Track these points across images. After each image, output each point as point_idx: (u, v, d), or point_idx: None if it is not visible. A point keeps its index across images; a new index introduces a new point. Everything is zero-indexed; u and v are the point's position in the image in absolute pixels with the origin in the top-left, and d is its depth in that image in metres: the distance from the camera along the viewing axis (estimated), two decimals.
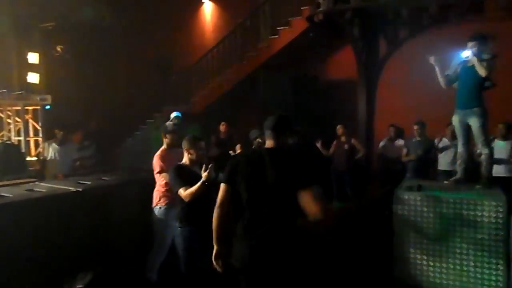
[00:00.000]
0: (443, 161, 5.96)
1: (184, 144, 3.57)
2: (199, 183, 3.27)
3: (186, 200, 3.33)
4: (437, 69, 4.25)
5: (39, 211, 3.48)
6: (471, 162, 4.40)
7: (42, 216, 3.47)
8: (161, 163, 4.00)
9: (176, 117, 6.69)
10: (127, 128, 9.34)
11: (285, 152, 2.54)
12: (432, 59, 4.24)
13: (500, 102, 4.14)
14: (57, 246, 3.51)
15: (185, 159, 3.59)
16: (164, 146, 4.27)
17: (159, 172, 4.00)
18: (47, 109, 6.74)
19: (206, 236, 3.35)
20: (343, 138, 6.92)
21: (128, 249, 4.07)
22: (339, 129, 7.00)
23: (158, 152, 4.17)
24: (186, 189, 3.32)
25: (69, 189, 3.86)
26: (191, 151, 3.53)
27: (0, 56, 7.46)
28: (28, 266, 3.34)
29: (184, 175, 3.42)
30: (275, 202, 2.42)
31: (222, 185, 2.54)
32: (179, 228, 3.46)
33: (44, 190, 3.85)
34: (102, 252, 3.91)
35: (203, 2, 10.22)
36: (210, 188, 3.49)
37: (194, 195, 3.29)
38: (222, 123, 7.17)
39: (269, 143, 2.55)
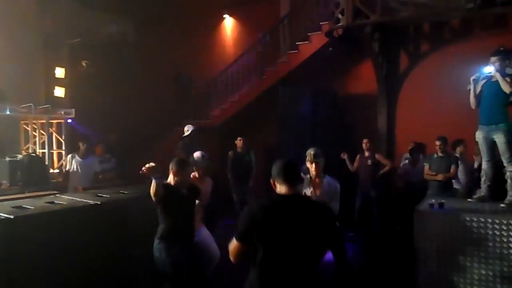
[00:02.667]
0: None
1: (172, 166, 3.51)
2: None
3: (154, 199, 3.26)
4: (472, 88, 4.10)
5: (58, 223, 3.54)
6: (496, 179, 4.25)
7: (61, 229, 3.53)
8: None
9: (194, 130, 6.69)
10: (147, 141, 9.47)
11: (308, 201, 2.36)
12: (472, 78, 4.09)
13: None
14: (75, 258, 3.55)
15: (170, 180, 3.51)
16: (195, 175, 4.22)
17: None
18: (69, 122, 6.92)
19: (194, 255, 3.36)
20: (367, 153, 6.80)
21: (146, 262, 4.08)
22: (366, 143, 6.80)
23: None
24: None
25: (88, 202, 3.92)
26: (178, 175, 3.47)
27: (29, 70, 7.73)
28: (46, 278, 3.39)
29: (169, 193, 3.37)
30: (298, 258, 2.20)
31: (236, 242, 2.25)
32: (164, 251, 3.39)
33: (64, 203, 3.92)
34: (120, 265, 3.95)
35: (224, 18, 10.38)
36: (189, 204, 3.50)
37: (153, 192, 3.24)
38: (239, 138, 7.19)
39: (283, 190, 2.31)
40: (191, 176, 4.23)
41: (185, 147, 6.41)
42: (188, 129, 6.64)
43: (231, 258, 2.30)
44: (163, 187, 3.39)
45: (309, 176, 3.90)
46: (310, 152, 3.87)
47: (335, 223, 2.36)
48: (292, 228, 2.19)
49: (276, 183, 2.35)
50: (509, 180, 3.95)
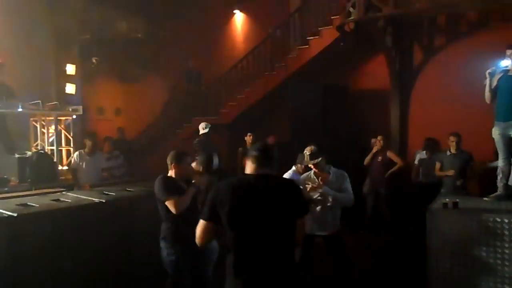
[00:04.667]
0: None
1: (170, 160, 3.43)
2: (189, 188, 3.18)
3: (175, 211, 3.17)
4: (488, 82, 3.93)
5: (62, 221, 3.51)
6: None
7: (66, 227, 3.50)
8: None
9: (208, 126, 6.60)
10: (156, 138, 9.47)
11: (274, 179, 2.34)
12: (488, 71, 3.91)
13: None
14: (80, 257, 3.52)
15: (171, 173, 3.44)
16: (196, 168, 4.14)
17: None
18: (76, 119, 6.92)
19: (196, 255, 3.29)
20: (374, 150, 6.65)
21: (151, 260, 4.03)
22: (379, 140, 6.64)
23: None
24: (174, 201, 3.17)
25: (93, 200, 3.88)
26: (177, 168, 3.39)
27: (40, 67, 7.76)
28: (50, 276, 3.37)
29: (172, 186, 3.29)
30: (270, 235, 2.20)
31: (202, 222, 2.24)
32: (166, 250, 3.32)
33: (69, 201, 3.89)
34: (124, 263, 3.91)
35: (234, 13, 10.29)
36: (195, 201, 3.43)
37: (184, 204, 3.16)
38: (249, 134, 7.10)
39: (252, 169, 2.31)
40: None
41: (202, 145, 6.34)
42: (205, 127, 6.54)
43: (197, 240, 2.27)
44: (164, 178, 3.33)
45: (313, 174, 3.90)
46: (307, 153, 3.81)
47: (300, 196, 2.37)
48: (258, 204, 2.18)
49: (246, 162, 2.37)
50: None
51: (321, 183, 3.80)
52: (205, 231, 2.25)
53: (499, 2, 6.12)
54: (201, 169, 4.08)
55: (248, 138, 7.09)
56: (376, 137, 6.73)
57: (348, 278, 4.00)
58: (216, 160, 4.23)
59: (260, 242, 2.18)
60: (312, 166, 3.85)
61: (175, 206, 3.18)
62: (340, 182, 3.86)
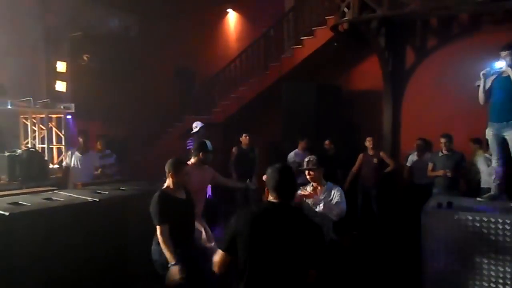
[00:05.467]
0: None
1: (168, 168, 3.40)
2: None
3: (160, 238, 3.16)
4: (482, 83, 3.95)
5: (55, 220, 3.45)
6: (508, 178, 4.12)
7: (58, 226, 3.44)
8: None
9: (202, 127, 6.60)
10: (148, 137, 9.39)
11: (294, 212, 2.24)
12: (482, 72, 3.94)
13: None
14: (72, 256, 3.46)
15: (169, 183, 3.42)
16: (192, 161, 4.14)
17: None
18: (68, 118, 6.84)
19: (189, 259, 3.26)
20: (371, 151, 6.67)
21: (145, 260, 3.99)
22: (369, 141, 6.68)
23: None
24: (163, 228, 3.17)
25: (86, 199, 3.83)
26: (176, 176, 3.36)
27: (30, 64, 7.64)
28: (43, 276, 3.31)
29: (168, 205, 3.25)
30: (283, 270, 2.13)
31: (221, 252, 2.21)
32: (160, 253, 3.27)
33: (62, 199, 3.83)
34: (118, 262, 3.86)
35: (227, 12, 10.25)
36: (189, 207, 3.42)
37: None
38: (245, 134, 7.05)
39: (274, 198, 2.22)
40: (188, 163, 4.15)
41: (194, 144, 6.32)
42: (196, 126, 6.53)
43: (215, 268, 2.23)
44: (161, 197, 3.29)
45: (311, 186, 3.85)
46: (310, 159, 3.82)
47: (322, 241, 2.26)
48: (277, 238, 2.09)
49: (268, 193, 2.24)
50: None
51: (312, 193, 3.76)
52: (221, 262, 2.21)
53: (491, 5, 6.18)
54: (200, 155, 4.09)
55: (244, 139, 7.03)
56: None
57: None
58: (209, 144, 4.28)
59: (271, 276, 2.11)
60: (307, 174, 3.82)
61: (162, 235, 3.17)
62: (332, 197, 3.76)
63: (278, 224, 2.13)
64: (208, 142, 4.31)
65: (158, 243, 3.27)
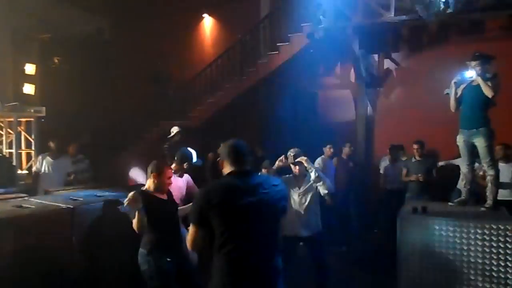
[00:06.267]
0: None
1: (151, 169, 3.37)
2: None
3: (136, 230, 3.14)
4: (453, 91, 4.11)
5: (26, 229, 3.30)
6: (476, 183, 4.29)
7: (30, 235, 3.29)
8: None
9: (179, 132, 6.56)
10: (123, 141, 9.18)
11: (256, 176, 2.36)
12: (453, 81, 4.09)
13: (498, 124, 4.05)
14: (45, 267, 3.32)
15: (149, 184, 3.38)
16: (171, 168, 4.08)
17: None
18: (41, 121, 6.60)
19: (180, 264, 3.22)
20: (345, 155, 6.80)
21: (121, 269, 3.89)
22: (347, 147, 6.84)
23: None
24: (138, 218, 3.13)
25: (60, 206, 3.69)
26: (158, 178, 3.33)
27: None
28: (15, 286, 3.16)
29: (151, 205, 3.22)
30: (261, 235, 2.22)
31: (193, 227, 2.20)
32: (149, 262, 3.24)
33: (33, 207, 3.67)
34: (93, 272, 3.74)
35: (203, 17, 10.21)
36: (172, 208, 3.40)
37: (138, 225, 3.12)
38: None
39: (233, 168, 2.30)
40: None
41: (171, 149, 6.28)
42: (173, 131, 6.49)
43: (188, 246, 2.23)
44: (143, 198, 3.22)
45: (293, 176, 4.00)
46: (291, 154, 3.90)
47: (286, 195, 2.48)
48: (248, 203, 2.16)
49: (224, 164, 2.33)
50: (489, 184, 3.98)
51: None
52: (195, 237, 2.20)
53: (457, 17, 6.45)
54: (184, 165, 4.03)
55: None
56: (344, 144, 6.88)
57: (324, 283, 4.04)
58: (194, 153, 4.22)
59: (251, 242, 2.18)
60: (295, 168, 3.95)
61: (137, 226, 3.13)
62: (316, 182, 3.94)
63: (245, 189, 2.20)
64: (194, 153, 4.23)
65: (147, 253, 3.20)
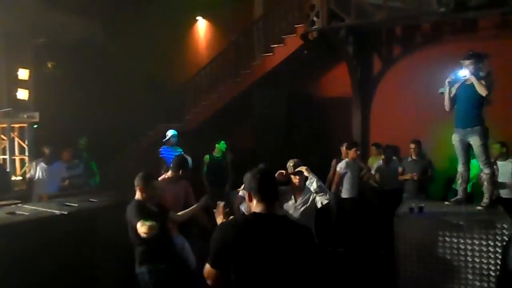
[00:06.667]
0: None
1: (137, 182, 3.36)
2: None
3: (145, 235, 3.07)
4: (447, 90, 4.11)
5: (20, 236, 3.27)
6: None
7: (23, 242, 3.26)
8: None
9: (173, 135, 6.56)
10: (118, 146, 9.14)
11: (283, 223, 2.09)
12: (447, 80, 4.09)
13: (493, 121, 4.06)
14: (39, 274, 3.29)
15: (138, 196, 3.37)
16: (167, 176, 4.05)
17: None
18: (34, 127, 6.54)
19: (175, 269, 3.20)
20: (344, 157, 6.76)
21: (115, 275, 3.85)
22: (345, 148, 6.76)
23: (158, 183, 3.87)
24: (144, 223, 3.07)
25: (54, 212, 3.66)
26: (145, 191, 3.33)
27: None
28: None
29: (143, 210, 3.22)
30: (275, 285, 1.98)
31: (209, 268, 2.03)
32: (145, 271, 3.21)
33: (26, 213, 3.64)
34: (89, 280, 3.70)
35: (197, 20, 10.19)
36: (164, 218, 3.38)
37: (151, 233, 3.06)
38: (223, 142, 7.03)
39: (259, 208, 2.07)
40: (162, 177, 4.07)
41: (166, 152, 6.29)
42: (168, 134, 6.50)
43: (208, 283, 2.07)
44: (137, 202, 3.23)
45: (290, 187, 3.83)
46: (290, 164, 3.79)
47: (315, 247, 2.16)
48: (268, 252, 1.96)
49: (252, 197, 2.09)
50: (485, 183, 3.99)
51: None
52: (213, 278, 2.03)
53: (451, 16, 6.47)
54: (180, 172, 4.00)
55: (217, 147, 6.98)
56: (341, 144, 6.85)
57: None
58: (189, 160, 4.19)
59: None
60: (295, 178, 3.78)
61: (145, 230, 3.05)
62: (309, 197, 3.80)
63: (266, 235, 1.99)
64: (189, 159, 4.21)
65: (141, 265, 3.19)
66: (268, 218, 2.05)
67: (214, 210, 2.47)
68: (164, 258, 3.22)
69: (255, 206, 2.08)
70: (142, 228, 3.06)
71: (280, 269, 1.97)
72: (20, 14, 7.84)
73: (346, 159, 6.05)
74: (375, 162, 6.71)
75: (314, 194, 3.76)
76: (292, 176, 3.78)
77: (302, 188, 3.81)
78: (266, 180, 2.11)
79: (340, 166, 5.92)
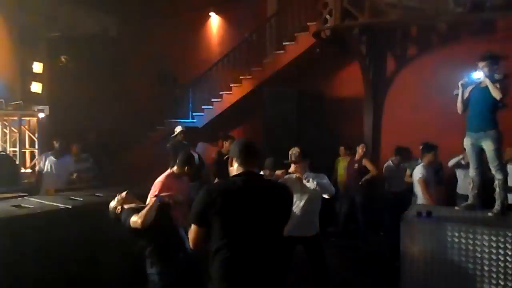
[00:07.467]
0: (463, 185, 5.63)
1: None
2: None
3: (140, 225, 2.97)
4: (460, 93, 3.98)
5: (24, 229, 3.29)
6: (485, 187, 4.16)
7: (27, 235, 3.28)
8: (163, 191, 3.59)
9: (181, 131, 6.54)
10: (128, 141, 9.19)
11: (267, 182, 2.31)
12: (460, 82, 3.97)
13: (507, 126, 3.92)
14: (43, 268, 3.30)
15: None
16: (172, 171, 4.03)
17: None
18: (42, 119, 6.59)
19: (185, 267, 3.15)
20: (355, 158, 6.69)
21: (119, 271, 3.85)
22: (361, 148, 6.70)
23: (163, 177, 3.83)
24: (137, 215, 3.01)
25: (58, 206, 3.67)
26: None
27: (5, 65, 7.39)
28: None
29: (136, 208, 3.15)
30: (262, 242, 2.14)
31: (194, 227, 2.15)
32: (155, 273, 3.13)
33: (31, 207, 3.67)
34: (91, 273, 3.71)
35: (210, 16, 10.17)
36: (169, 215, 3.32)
37: (146, 217, 2.97)
38: (229, 140, 6.96)
39: (239, 171, 2.23)
40: (168, 173, 4.03)
41: (174, 148, 6.27)
42: (176, 130, 6.48)
43: (191, 245, 2.19)
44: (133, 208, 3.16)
45: (294, 176, 3.84)
46: (292, 152, 3.78)
47: (291, 202, 2.40)
48: (252, 209, 2.11)
49: (233, 161, 2.26)
50: (497, 189, 3.86)
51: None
52: (198, 236, 2.15)
53: (468, 16, 6.30)
54: (185, 169, 3.96)
55: (226, 144, 6.93)
56: (353, 145, 6.79)
57: (323, 286, 3.95)
58: (196, 157, 4.15)
59: (251, 248, 2.11)
60: (292, 166, 3.81)
61: (139, 220, 2.97)
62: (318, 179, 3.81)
63: (250, 194, 2.15)
64: (195, 156, 4.17)
65: (151, 265, 3.14)
66: (247, 176, 2.20)
67: None
68: (173, 256, 3.16)
69: (236, 170, 2.24)
70: (137, 221, 2.99)
71: (262, 221, 2.13)
72: (34, 8, 7.94)
73: (422, 164, 5.39)
74: (343, 163, 6.83)
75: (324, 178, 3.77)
76: (292, 166, 3.82)
77: (305, 176, 3.78)
78: (249, 146, 2.28)
79: (422, 173, 5.24)
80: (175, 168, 4.05)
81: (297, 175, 3.83)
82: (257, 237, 2.12)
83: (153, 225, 3.08)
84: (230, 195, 2.12)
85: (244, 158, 2.23)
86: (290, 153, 3.83)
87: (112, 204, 3.22)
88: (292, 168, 3.83)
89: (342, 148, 7.15)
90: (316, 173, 3.89)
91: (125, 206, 3.19)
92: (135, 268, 3.68)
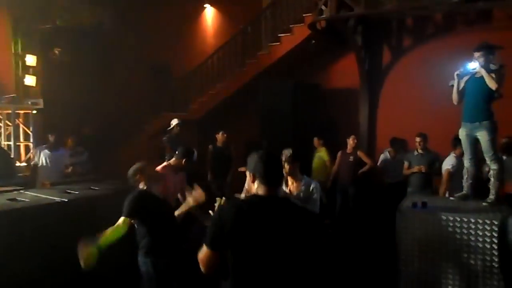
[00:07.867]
0: None
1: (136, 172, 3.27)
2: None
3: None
4: (456, 83, 3.98)
5: (19, 223, 3.27)
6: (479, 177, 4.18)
7: (22, 229, 3.27)
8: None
9: (178, 124, 6.54)
10: (122, 134, 9.15)
11: (287, 205, 2.03)
12: (456, 73, 3.96)
13: (503, 116, 3.93)
14: (38, 262, 3.30)
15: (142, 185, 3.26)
16: (169, 163, 4.00)
17: None
18: (36, 113, 6.54)
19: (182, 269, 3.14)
20: (349, 150, 6.70)
21: (116, 265, 3.85)
22: (352, 139, 6.69)
23: (159, 168, 3.84)
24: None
25: (54, 199, 3.66)
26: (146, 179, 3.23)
27: None
28: (7, 282, 3.14)
29: (140, 206, 3.11)
30: (279, 273, 1.91)
31: (206, 250, 1.95)
32: (148, 262, 3.15)
33: (27, 200, 3.65)
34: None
35: (204, 7, 10.09)
36: (170, 208, 3.32)
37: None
38: (222, 132, 6.95)
39: (261, 190, 2.00)
40: (164, 164, 4.04)
41: (171, 141, 6.27)
42: (172, 123, 6.47)
43: (202, 269, 1.99)
44: (141, 194, 3.14)
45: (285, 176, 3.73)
46: (286, 153, 3.72)
47: (319, 231, 2.09)
48: (268, 235, 1.89)
49: (254, 179, 2.02)
50: (492, 179, 3.88)
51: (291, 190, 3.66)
52: (209, 261, 1.96)
53: (464, 6, 6.28)
54: (183, 161, 3.96)
55: (221, 137, 6.93)
56: (347, 136, 6.79)
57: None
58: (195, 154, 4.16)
59: (262, 276, 1.91)
60: (285, 168, 3.66)
61: (121, 226, 2.98)
62: (310, 193, 3.64)
63: (268, 218, 1.93)
64: (195, 152, 4.18)
65: (145, 255, 3.14)
66: (269, 200, 1.99)
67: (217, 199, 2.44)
68: (168, 250, 3.16)
69: (257, 188, 2.02)
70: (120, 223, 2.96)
71: (280, 251, 1.91)
72: (28, 0, 7.83)
73: (454, 154, 5.26)
74: (319, 154, 6.84)
75: (315, 189, 3.64)
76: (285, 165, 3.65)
77: (297, 176, 3.66)
78: (272, 164, 2.05)
79: (451, 164, 5.15)
80: (172, 160, 4.05)
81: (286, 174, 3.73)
82: (271, 268, 1.90)
83: (155, 212, 3.09)
84: (244, 217, 1.92)
85: (267, 178, 1.99)
86: (282, 153, 3.76)
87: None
88: (284, 170, 3.74)
89: (316, 139, 7.02)
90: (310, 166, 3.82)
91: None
92: (132, 260, 3.70)
